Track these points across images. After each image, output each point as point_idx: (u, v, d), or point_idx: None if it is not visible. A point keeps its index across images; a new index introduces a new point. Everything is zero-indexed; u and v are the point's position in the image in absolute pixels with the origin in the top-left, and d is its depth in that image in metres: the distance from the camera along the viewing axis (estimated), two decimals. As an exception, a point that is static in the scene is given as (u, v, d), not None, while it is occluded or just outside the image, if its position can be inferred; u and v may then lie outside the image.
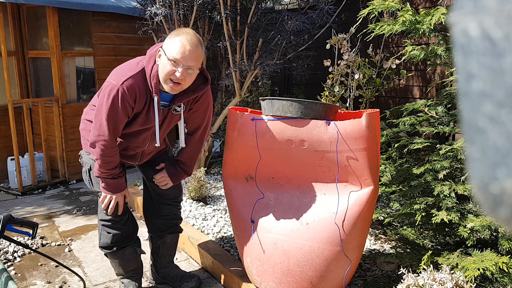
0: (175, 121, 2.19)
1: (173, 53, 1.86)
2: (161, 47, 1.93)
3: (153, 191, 2.40)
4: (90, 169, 2.22)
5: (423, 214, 2.11)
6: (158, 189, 2.36)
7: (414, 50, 2.39)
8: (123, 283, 2.36)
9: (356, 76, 2.94)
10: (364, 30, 2.84)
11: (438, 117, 2.53)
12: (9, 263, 2.85)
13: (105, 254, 2.32)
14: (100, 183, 2.12)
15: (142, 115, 2.02)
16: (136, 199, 3.73)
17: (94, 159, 2.09)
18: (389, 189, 2.55)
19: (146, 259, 2.66)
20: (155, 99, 1.97)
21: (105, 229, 2.24)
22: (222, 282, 2.54)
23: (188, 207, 3.43)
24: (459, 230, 2.00)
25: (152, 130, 2.11)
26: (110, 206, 2.14)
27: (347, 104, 3.09)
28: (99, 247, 2.30)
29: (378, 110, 2.07)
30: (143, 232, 2.89)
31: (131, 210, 3.90)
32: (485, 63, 0.27)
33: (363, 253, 2.53)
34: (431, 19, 2.16)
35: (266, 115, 2.08)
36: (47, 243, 3.16)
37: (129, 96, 1.93)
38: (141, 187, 4.04)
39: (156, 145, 2.09)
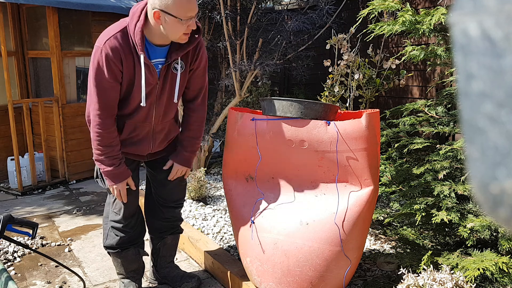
0: (180, 82, 2.05)
1: (184, 12, 1.79)
2: (162, 10, 1.79)
3: (157, 194, 2.35)
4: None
5: (423, 214, 2.11)
6: (163, 192, 2.31)
7: (414, 50, 2.39)
8: (123, 283, 2.36)
9: (356, 76, 2.94)
10: (364, 30, 2.84)
11: (438, 117, 2.53)
12: (9, 263, 2.85)
13: (108, 253, 2.31)
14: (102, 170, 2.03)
15: (136, 79, 1.93)
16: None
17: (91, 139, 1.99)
18: (389, 189, 2.55)
19: (147, 260, 2.66)
20: (141, 56, 1.87)
21: (113, 231, 2.22)
22: (222, 282, 2.54)
23: (188, 207, 3.43)
24: (459, 230, 2.00)
25: (155, 94, 2.00)
26: (116, 194, 2.06)
27: (347, 104, 3.08)
28: (104, 246, 2.29)
29: (378, 110, 2.07)
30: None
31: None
32: (485, 63, 0.27)
33: (363, 253, 2.53)
34: (431, 19, 2.16)
35: (266, 115, 2.08)
36: (47, 243, 3.16)
37: (113, 56, 1.84)
38: (141, 187, 4.03)
39: (141, 104, 1.94)
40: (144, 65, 1.90)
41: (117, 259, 2.29)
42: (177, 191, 2.36)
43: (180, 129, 2.28)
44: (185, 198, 3.34)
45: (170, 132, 2.23)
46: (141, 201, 3.46)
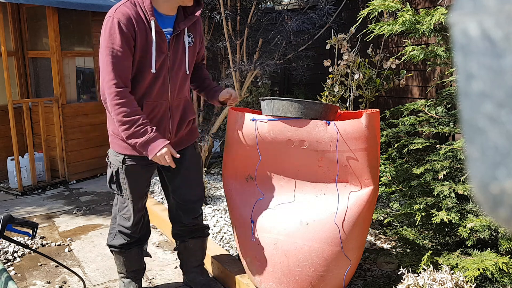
0: (190, 55, 2.10)
1: None
2: None
3: (176, 196, 2.27)
4: (117, 171, 2.09)
5: (423, 214, 2.11)
6: (182, 192, 2.25)
7: (414, 50, 2.39)
8: (123, 282, 2.36)
9: (356, 76, 2.94)
10: (364, 30, 2.84)
11: (438, 117, 2.53)
12: (9, 263, 2.85)
13: (111, 251, 2.31)
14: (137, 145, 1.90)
15: (148, 49, 1.94)
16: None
17: (115, 120, 1.88)
18: (389, 189, 2.55)
19: (148, 261, 2.66)
20: (152, 22, 1.90)
21: (121, 235, 2.22)
22: (222, 282, 2.54)
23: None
24: (459, 230, 2.00)
25: (167, 66, 2.00)
26: (163, 162, 1.90)
27: (347, 104, 3.08)
28: (107, 245, 2.29)
29: (378, 110, 2.07)
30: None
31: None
32: (485, 63, 0.27)
33: (363, 253, 2.53)
34: (431, 19, 2.16)
35: (266, 115, 2.08)
36: (47, 243, 3.16)
37: (125, 21, 1.85)
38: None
39: (152, 71, 1.94)
40: (156, 32, 1.92)
41: (120, 257, 2.29)
42: (196, 190, 2.28)
43: (200, 85, 2.34)
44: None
45: (186, 111, 2.18)
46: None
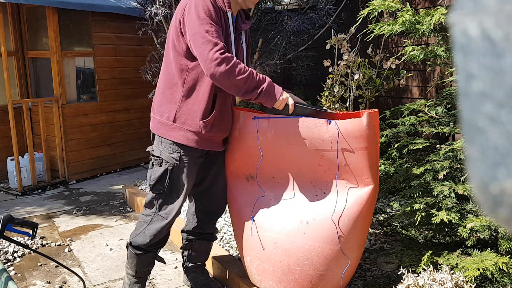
0: (247, 54, 2.17)
1: None
2: None
3: (204, 200, 2.30)
4: (173, 169, 2.02)
5: (423, 214, 2.12)
6: (211, 197, 2.27)
7: (414, 50, 2.39)
8: (129, 280, 2.33)
9: (356, 76, 2.94)
10: (364, 30, 2.84)
11: (438, 117, 2.53)
12: (9, 263, 2.85)
13: (127, 247, 2.24)
14: (261, 96, 1.90)
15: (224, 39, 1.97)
16: (136, 199, 3.73)
17: (233, 82, 1.84)
18: (388, 185, 2.55)
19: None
20: (229, 14, 1.97)
21: (148, 234, 2.13)
22: (222, 282, 2.54)
23: (187, 207, 3.42)
24: (459, 230, 2.01)
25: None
26: (288, 104, 1.93)
27: (347, 104, 3.08)
28: (130, 241, 2.19)
29: (377, 110, 2.07)
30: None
31: (131, 210, 3.90)
32: (485, 63, 0.27)
33: (363, 253, 2.53)
34: (431, 19, 2.16)
35: (268, 114, 2.07)
36: (47, 243, 3.16)
37: (214, 4, 1.92)
38: (141, 187, 4.04)
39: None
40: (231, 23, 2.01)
41: (135, 257, 2.20)
42: (224, 194, 2.30)
43: None
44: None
45: (232, 109, 2.19)
46: (140, 201, 3.43)
